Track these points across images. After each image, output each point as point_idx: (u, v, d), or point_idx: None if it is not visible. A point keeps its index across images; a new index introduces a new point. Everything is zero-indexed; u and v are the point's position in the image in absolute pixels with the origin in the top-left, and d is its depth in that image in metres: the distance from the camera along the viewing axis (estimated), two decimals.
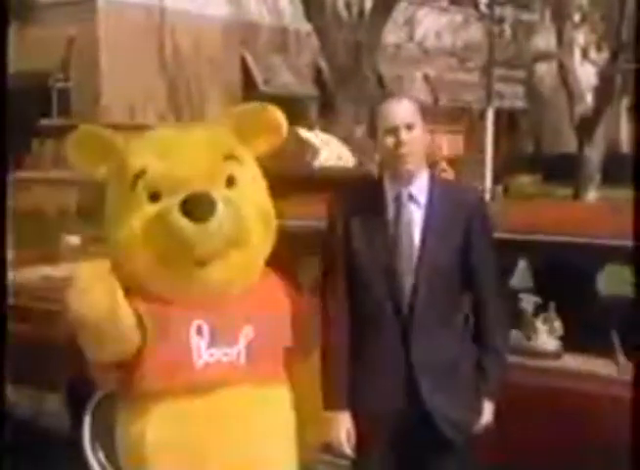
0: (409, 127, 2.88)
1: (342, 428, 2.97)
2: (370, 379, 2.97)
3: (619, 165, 15.89)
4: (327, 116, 15.14)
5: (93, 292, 2.75)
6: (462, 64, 19.46)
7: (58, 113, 17.12)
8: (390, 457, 2.99)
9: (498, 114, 18.83)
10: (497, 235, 3.11)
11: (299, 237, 3.48)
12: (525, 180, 20.43)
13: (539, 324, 3.52)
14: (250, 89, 18.79)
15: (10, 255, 4.05)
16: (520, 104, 25.93)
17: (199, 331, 2.86)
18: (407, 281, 2.91)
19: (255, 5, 18.88)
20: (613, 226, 3.56)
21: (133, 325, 2.80)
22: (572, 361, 3.44)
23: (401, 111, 2.91)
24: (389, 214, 2.95)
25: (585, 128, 17.53)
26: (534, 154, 25.81)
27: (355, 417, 2.98)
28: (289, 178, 3.08)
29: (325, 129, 10.02)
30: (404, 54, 18.72)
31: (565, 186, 17.63)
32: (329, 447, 3.06)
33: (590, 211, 5.34)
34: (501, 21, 18.85)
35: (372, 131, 2.97)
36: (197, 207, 2.74)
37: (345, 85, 14.08)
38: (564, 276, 4.15)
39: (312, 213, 3.49)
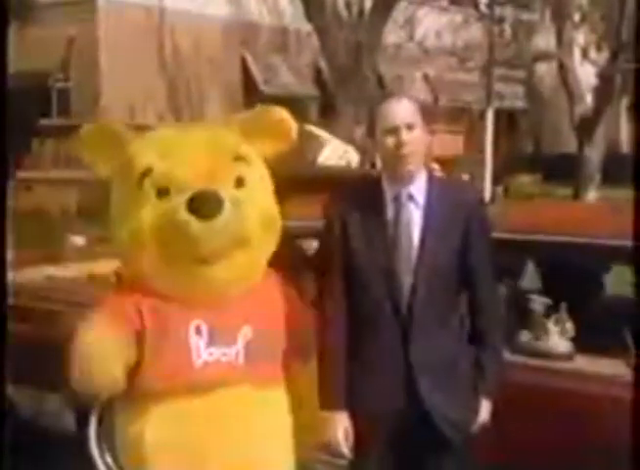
0: (410, 127, 2.88)
1: (340, 428, 2.97)
2: (369, 379, 2.97)
3: (619, 165, 15.88)
4: (327, 116, 15.15)
5: (92, 366, 2.85)
6: (462, 63, 19.46)
7: (58, 113, 17.13)
8: (389, 457, 2.99)
9: (498, 114, 18.82)
10: (501, 236, 3.11)
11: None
12: (525, 180, 20.43)
13: (551, 325, 3.52)
14: (250, 89, 18.80)
15: (10, 255, 4.04)
16: (520, 104, 25.93)
17: (197, 331, 2.85)
18: (406, 281, 2.90)
19: (256, 5, 18.89)
20: (617, 226, 3.56)
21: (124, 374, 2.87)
22: (585, 363, 3.44)
23: (401, 111, 2.91)
24: (388, 215, 2.95)
25: (585, 128, 17.54)
26: (534, 154, 25.79)
27: (354, 417, 2.98)
28: (290, 178, 3.08)
29: (325, 129, 10.02)
30: (404, 54, 18.72)
31: (565, 186, 17.63)
32: (327, 447, 3.06)
33: (593, 211, 5.34)
34: (501, 20, 18.85)
35: (371, 131, 2.97)
36: (204, 204, 2.74)
37: (346, 85, 14.08)
38: (571, 277, 4.15)
39: (313, 214, 3.49)
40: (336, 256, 2.98)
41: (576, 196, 17.06)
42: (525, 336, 3.57)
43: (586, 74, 19.11)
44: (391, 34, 16.47)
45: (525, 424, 3.27)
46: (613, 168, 17.20)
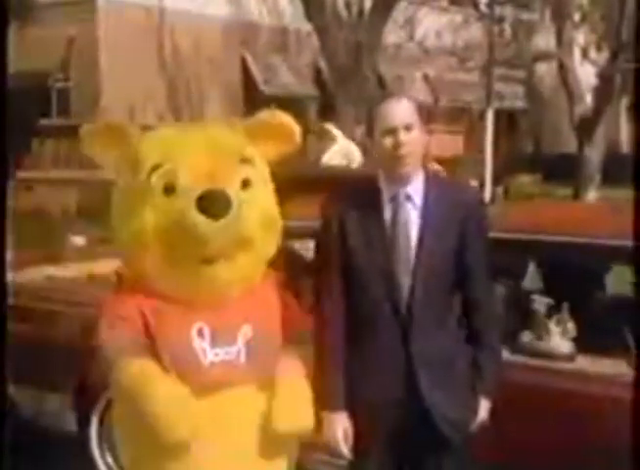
0: (408, 128, 2.88)
1: (339, 428, 2.97)
2: (368, 379, 2.97)
3: (619, 166, 15.87)
4: (327, 116, 15.14)
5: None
6: (462, 63, 19.46)
7: (57, 113, 17.14)
8: (389, 457, 2.99)
9: (498, 114, 18.82)
10: (502, 236, 3.11)
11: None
12: (525, 180, 20.42)
13: (552, 326, 3.52)
14: (249, 89, 18.81)
15: (10, 255, 4.05)
16: (520, 104, 25.93)
17: (200, 333, 2.86)
18: (405, 282, 2.91)
19: (256, 5, 18.89)
20: (617, 226, 3.56)
21: None
22: (586, 363, 3.44)
23: (400, 111, 2.90)
24: (386, 215, 2.95)
25: (585, 128, 17.53)
26: (534, 154, 25.79)
27: (354, 417, 2.98)
28: (290, 178, 3.09)
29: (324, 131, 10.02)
30: (404, 54, 18.73)
31: (565, 186, 17.62)
32: (327, 448, 3.06)
33: (593, 211, 5.34)
34: (501, 20, 18.84)
35: (370, 131, 2.97)
36: (213, 203, 2.75)
37: (345, 85, 14.09)
38: (571, 277, 4.15)
39: (313, 214, 3.50)
40: (333, 256, 2.98)
41: (576, 196, 17.05)
42: (526, 336, 3.57)
43: (586, 74, 19.10)
44: (391, 34, 16.48)
45: (527, 424, 3.27)
46: (613, 169, 17.18)
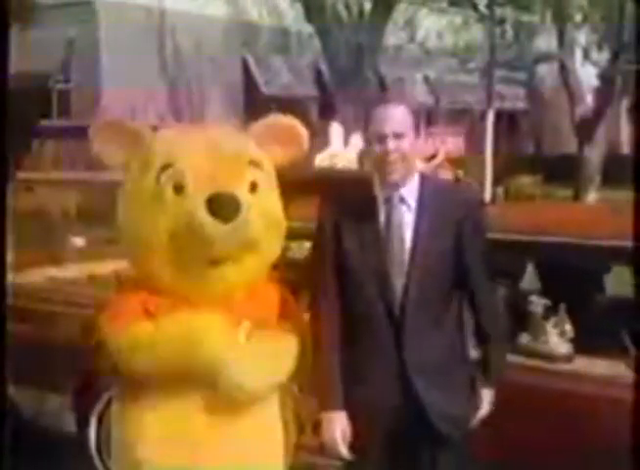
0: (398, 137, 2.89)
1: (337, 428, 2.97)
2: (364, 379, 2.98)
3: (620, 167, 15.86)
4: (327, 117, 15.14)
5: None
6: (463, 65, 19.45)
7: (58, 114, 17.12)
8: (386, 456, 2.99)
9: (499, 115, 18.81)
10: (501, 237, 3.11)
11: None
12: (526, 181, 20.38)
13: (549, 327, 3.52)
14: (250, 90, 18.80)
15: (10, 256, 4.05)
16: (520, 105, 25.91)
17: None
18: (398, 283, 2.93)
19: (256, 6, 18.88)
20: (617, 227, 3.56)
21: None
22: (584, 364, 3.44)
23: (392, 118, 2.91)
24: (381, 217, 2.97)
25: (586, 129, 17.52)
26: (535, 155, 25.76)
27: (351, 417, 2.99)
28: (288, 180, 3.10)
29: (325, 130, 10.03)
30: (405, 55, 18.73)
31: (565, 187, 17.61)
32: (324, 450, 3.07)
33: (593, 212, 5.34)
34: (502, 22, 18.84)
35: (366, 133, 3.01)
36: (222, 206, 2.78)
37: (346, 87, 14.09)
38: (570, 278, 4.15)
39: (310, 215, 3.51)
40: (329, 257, 3.01)
41: (577, 197, 17.05)
42: (524, 338, 3.58)
43: (587, 76, 19.10)
44: (392, 36, 16.48)
45: (525, 425, 3.28)
46: (613, 170, 17.17)
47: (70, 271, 5.42)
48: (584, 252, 3.58)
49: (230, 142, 3.04)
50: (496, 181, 16.97)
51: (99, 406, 4.38)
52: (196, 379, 2.85)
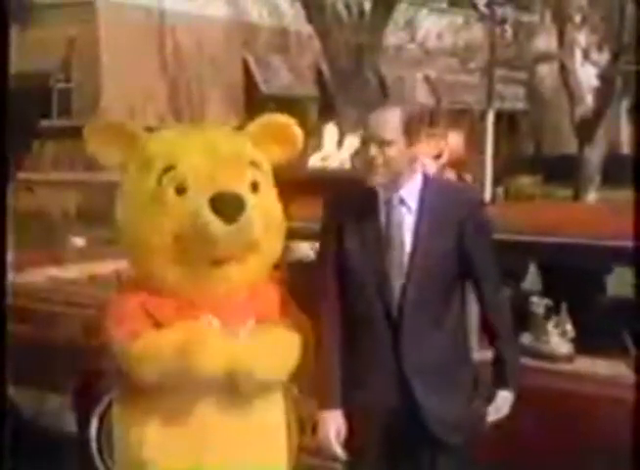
0: (386, 143, 2.89)
1: (332, 427, 2.97)
2: (362, 378, 2.98)
3: (620, 167, 15.89)
4: (327, 117, 15.14)
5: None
6: (463, 65, 19.46)
7: (58, 113, 17.11)
8: (385, 458, 2.99)
9: (499, 115, 18.80)
10: (502, 237, 3.11)
11: None
12: (526, 181, 20.39)
13: (551, 327, 3.52)
14: (250, 90, 18.80)
15: (11, 256, 4.05)
16: (520, 105, 25.92)
17: (209, 324, 2.91)
18: (397, 284, 2.93)
19: (256, 6, 18.88)
20: (617, 227, 3.56)
21: None
22: (585, 364, 3.44)
23: (384, 125, 2.91)
24: (382, 217, 2.97)
25: (586, 129, 17.53)
26: (535, 155, 25.77)
27: (350, 418, 2.99)
28: (286, 181, 3.11)
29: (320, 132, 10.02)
30: (405, 55, 18.72)
31: (565, 187, 17.62)
32: (319, 452, 3.07)
33: (593, 212, 5.34)
34: (502, 22, 18.83)
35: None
36: (227, 206, 2.79)
37: (346, 87, 14.08)
38: (571, 278, 4.15)
39: (309, 215, 3.51)
40: (331, 257, 3.01)
41: (577, 197, 17.05)
42: (525, 338, 3.57)
43: (587, 76, 19.10)
44: (392, 36, 16.47)
45: (526, 425, 3.27)
46: (613, 170, 17.19)
47: (71, 271, 5.42)
48: (585, 252, 3.57)
49: (230, 143, 3.05)
50: (496, 181, 16.97)
51: (100, 407, 4.38)
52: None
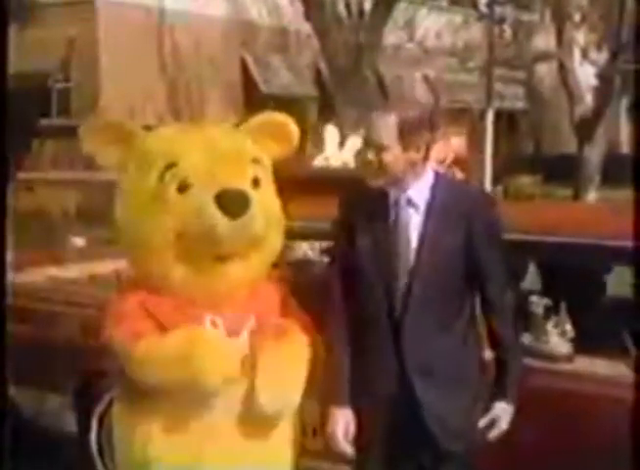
0: (382, 148, 2.88)
1: (341, 423, 2.98)
2: (366, 377, 2.98)
3: (619, 166, 15.88)
4: (326, 116, 15.14)
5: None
6: (462, 64, 19.47)
7: (58, 113, 17.13)
8: (387, 458, 2.98)
9: (498, 114, 18.82)
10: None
11: None
12: (525, 181, 20.41)
13: (550, 327, 3.52)
14: (250, 90, 18.81)
15: (11, 255, 4.05)
16: (520, 104, 25.92)
17: (213, 324, 2.92)
18: (402, 282, 2.92)
19: (255, 5, 18.88)
20: (617, 227, 3.56)
21: None
22: (585, 364, 3.44)
23: (379, 130, 2.90)
24: (391, 218, 2.97)
25: (585, 129, 17.54)
26: (534, 154, 25.78)
27: (356, 414, 2.99)
28: (288, 179, 3.11)
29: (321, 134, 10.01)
30: (404, 54, 18.73)
31: (565, 187, 17.63)
32: (328, 453, 3.07)
33: (593, 211, 5.34)
34: (501, 21, 18.85)
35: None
36: (232, 202, 2.79)
37: (345, 86, 14.09)
38: (571, 278, 4.15)
39: (311, 214, 3.51)
40: (343, 255, 3.03)
41: (576, 197, 17.07)
42: (525, 338, 3.57)
43: (586, 75, 19.12)
44: (391, 35, 16.48)
45: (526, 425, 3.26)
46: (613, 169, 17.20)
47: (71, 271, 5.42)
48: (585, 252, 3.57)
49: (230, 139, 3.06)
50: (496, 181, 17.00)
51: (100, 407, 4.38)
52: None
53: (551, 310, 3.55)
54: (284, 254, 3.29)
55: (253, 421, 2.94)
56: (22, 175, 6.59)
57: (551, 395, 3.31)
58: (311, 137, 9.35)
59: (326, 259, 5.07)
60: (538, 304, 3.56)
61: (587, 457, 3.23)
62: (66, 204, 6.77)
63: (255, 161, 3.01)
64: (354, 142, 9.03)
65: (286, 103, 14.93)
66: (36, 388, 4.73)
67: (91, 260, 5.54)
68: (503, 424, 2.98)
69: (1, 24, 4.36)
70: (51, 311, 4.80)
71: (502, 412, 2.97)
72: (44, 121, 15.45)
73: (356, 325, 3.00)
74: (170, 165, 2.87)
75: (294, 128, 3.15)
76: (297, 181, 4.39)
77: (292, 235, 3.29)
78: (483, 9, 18.23)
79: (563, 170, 18.32)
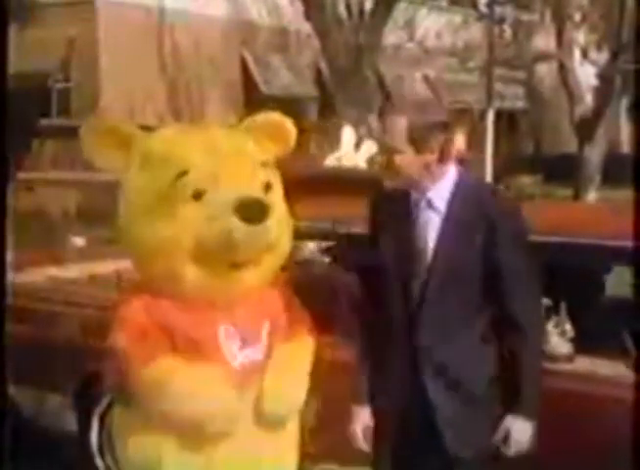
0: (393, 152, 2.89)
1: (360, 422, 3.03)
2: (382, 377, 3.01)
3: (619, 166, 15.88)
4: (327, 116, 15.15)
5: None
6: (462, 64, 19.47)
7: (58, 113, 17.11)
8: (400, 459, 2.99)
9: (498, 114, 18.82)
10: None
11: None
12: (526, 181, 20.41)
13: (550, 327, 3.51)
14: (250, 90, 18.80)
15: (10, 255, 4.05)
16: (520, 104, 25.92)
17: (228, 335, 2.89)
18: (418, 281, 2.92)
19: (255, 5, 18.88)
20: (617, 227, 3.56)
21: None
22: (585, 364, 3.44)
23: (390, 133, 2.91)
24: (412, 218, 2.97)
25: (585, 129, 17.54)
26: (534, 154, 25.79)
27: (375, 414, 3.02)
28: (296, 179, 3.11)
29: (324, 130, 10.03)
30: (404, 54, 18.73)
31: (565, 187, 17.63)
32: (335, 457, 3.10)
33: (593, 211, 5.34)
34: (501, 21, 18.85)
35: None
36: (252, 211, 2.76)
37: (345, 86, 14.09)
38: (571, 278, 4.15)
39: (319, 215, 3.52)
40: (371, 256, 3.07)
41: (577, 197, 17.07)
42: None
43: (586, 75, 19.12)
44: (392, 35, 16.49)
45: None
46: (613, 169, 17.20)
47: (71, 271, 5.42)
48: (585, 252, 3.57)
49: (237, 142, 3.02)
50: (496, 181, 16.97)
51: (100, 407, 4.38)
52: None
53: (551, 310, 3.54)
54: (292, 254, 3.28)
55: (266, 423, 2.93)
56: (22, 175, 6.57)
57: (551, 395, 3.30)
58: (326, 137, 9.35)
59: (326, 260, 5.08)
60: None
61: (587, 457, 3.23)
62: (66, 204, 6.77)
63: (264, 164, 2.98)
64: (370, 146, 9.08)
65: (286, 103, 14.92)
66: (36, 388, 4.74)
67: (91, 260, 5.53)
68: (522, 441, 2.92)
69: (1, 24, 4.36)
70: (51, 311, 4.80)
71: (516, 427, 2.92)
72: (44, 121, 15.43)
73: (373, 324, 3.03)
74: (183, 173, 2.81)
75: (291, 128, 3.14)
76: (309, 180, 4.41)
77: (300, 235, 3.29)
78: (483, 9, 18.23)
79: (563, 170, 18.33)
